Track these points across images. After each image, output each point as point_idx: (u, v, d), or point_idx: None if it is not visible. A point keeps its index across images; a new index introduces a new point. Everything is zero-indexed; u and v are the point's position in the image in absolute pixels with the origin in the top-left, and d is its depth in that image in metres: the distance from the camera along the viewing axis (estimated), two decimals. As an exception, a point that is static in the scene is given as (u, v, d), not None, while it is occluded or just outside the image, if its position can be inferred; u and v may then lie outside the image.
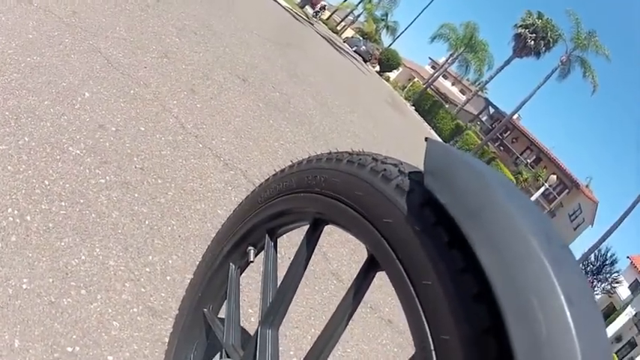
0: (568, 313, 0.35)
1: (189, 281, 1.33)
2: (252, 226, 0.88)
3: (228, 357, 0.81)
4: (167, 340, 1.14)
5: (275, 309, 0.73)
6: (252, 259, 0.89)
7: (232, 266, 0.91)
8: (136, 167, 1.64)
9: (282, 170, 0.85)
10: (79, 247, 1.19)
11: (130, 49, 2.43)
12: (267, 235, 0.83)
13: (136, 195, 1.52)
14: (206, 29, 3.94)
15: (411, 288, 0.49)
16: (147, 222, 1.45)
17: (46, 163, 1.37)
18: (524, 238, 0.39)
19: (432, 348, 0.45)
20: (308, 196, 0.74)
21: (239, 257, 0.91)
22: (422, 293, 0.47)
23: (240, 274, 0.92)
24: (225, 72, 3.39)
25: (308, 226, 0.75)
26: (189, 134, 2.18)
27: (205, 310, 0.94)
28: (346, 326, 0.61)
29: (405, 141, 9.59)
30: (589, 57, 24.84)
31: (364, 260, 0.60)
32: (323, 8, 23.80)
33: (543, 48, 26.23)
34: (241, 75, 3.65)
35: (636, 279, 26.40)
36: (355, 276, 0.61)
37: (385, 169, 0.59)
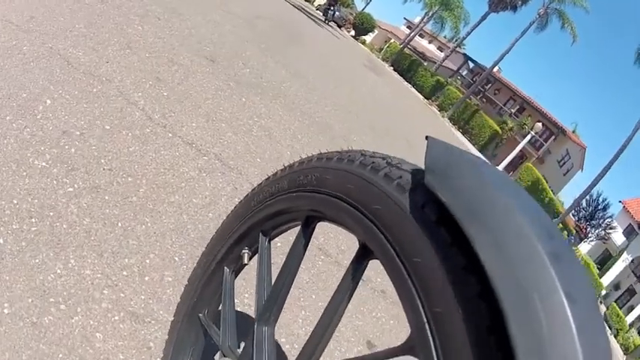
0: (569, 312, 0.36)
1: (183, 286, 1.36)
2: (246, 229, 0.90)
3: (225, 356, 0.83)
4: (152, 344, 1.17)
5: (270, 306, 0.75)
6: (246, 262, 0.91)
7: (227, 270, 0.93)
8: (104, 169, 1.62)
9: (275, 174, 0.87)
10: (53, 261, 1.19)
11: (90, 46, 2.36)
12: (260, 236, 0.85)
13: (107, 198, 1.51)
14: (170, 12, 3.81)
15: (403, 268, 0.50)
16: (119, 224, 1.44)
17: (13, 182, 1.35)
18: (525, 236, 0.39)
19: (428, 327, 0.46)
20: (300, 195, 0.76)
21: (233, 261, 0.93)
22: (413, 270, 0.49)
23: (235, 277, 0.94)
24: (192, 54, 3.31)
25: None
26: (157, 125, 2.15)
27: (201, 315, 0.97)
28: (341, 317, 0.63)
29: (386, 102, 9.55)
30: (567, 9, 24.64)
31: (356, 250, 0.61)
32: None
33: (520, 1, 25.88)
34: (209, 55, 3.57)
35: (630, 224, 26.50)
36: (347, 266, 0.62)
37: (374, 162, 0.62)
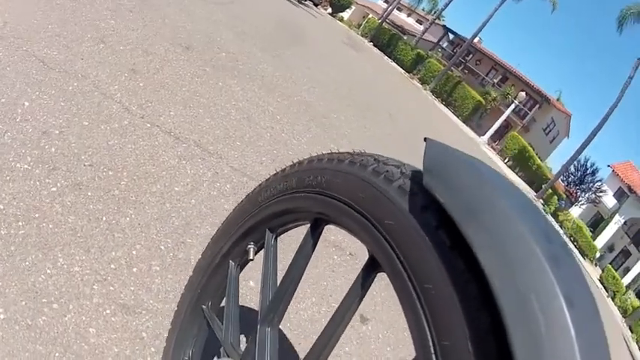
0: (567, 314, 0.36)
1: (171, 275, 1.42)
2: (253, 225, 0.89)
3: (228, 356, 0.83)
4: (144, 334, 1.22)
5: (275, 308, 0.74)
6: (252, 257, 0.91)
7: (232, 264, 0.92)
8: (85, 165, 1.66)
9: (283, 170, 0.86)
10: (42, 262, 1.22)
11: (64, 44, 2.35)
12: (267, 233, 0.84)
13: (89, 194, 1.55)
14: (143, 4, 3.77)
15: (413, 290, 0.49)
16: (104, 218, 1.49)
17: (-3, 188, 1.37)
18: (523, 238, 0.39)
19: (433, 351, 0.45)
20: (308, 196, 0.74)
21: (239, 255, 0.93)
22: (423, 296, 0.48)
23: (240, 271, 0.94)
24: (167, 43, 3.30)
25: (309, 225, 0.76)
26: (134, 116, 2.18)
27: (204, 306, 0.97)
28: (346, 326, 0.62)
29: (366, 78, 9.54)
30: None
31: (365, 260, 0.60)
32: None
33: (497, -30, 25.69)
34: (184, 43, 3.55)
35: (620, 187, 26.88)
36: (356, 276, 0.61)
37: (387, 172, 0.60)
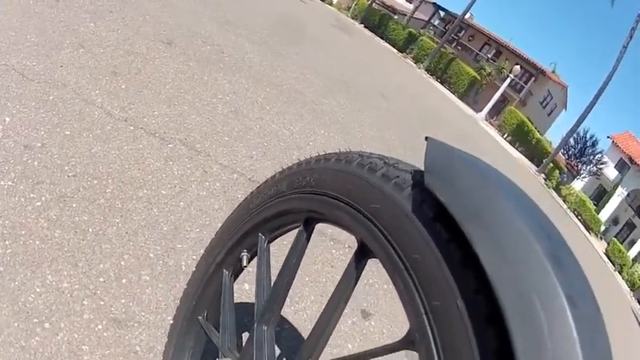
0: (569, 313, 0.36)
1: (162, 284, 1.41)
2: (245, 232, 0.91)
3: (225, 357, 0.85)
4: (138, 348, 1.21)
5: (270, 307, 0.77)
6: (245, 264, 0.92)
7: (226, 272, 0.95)
8: (68, 176, 1.64)
9: (273, 176, 0.89)
10: (31, 280, 1.22)
11: (43, 54, 2.31)
12: (260, 238, 0.87)
13: (74, 205, 1.53)
14: (123, 3, 3.70)
15: (402, 264, 0.52)
16: (90, 229, 1.47)
17: (-17, 209, 1.35)
18: (525, 238, 0.39)
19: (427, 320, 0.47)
20: (299, 197, 0.78)
21: (232, 263, 0.95)
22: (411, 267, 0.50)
23: (234, 280, 0.96)
24: (148, 41, 3.25)
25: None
26: (117, 120, 2.15)
27: (200, 317, 0.99)
28: (341, 315, 0.64)
29: (358, 60, 9.43)
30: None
31: (355, 248, 0.64)
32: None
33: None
34: (166, 39, 3.50)
35: (621, 158, 26.90)
36: (347, 264, 0.64)
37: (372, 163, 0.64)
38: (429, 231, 0.49)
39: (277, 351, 0.77)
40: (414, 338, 0.49)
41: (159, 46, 3.29)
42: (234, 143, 2.65)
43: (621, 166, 27.06)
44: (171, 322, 1.09)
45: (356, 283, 0.63)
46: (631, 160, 25.53)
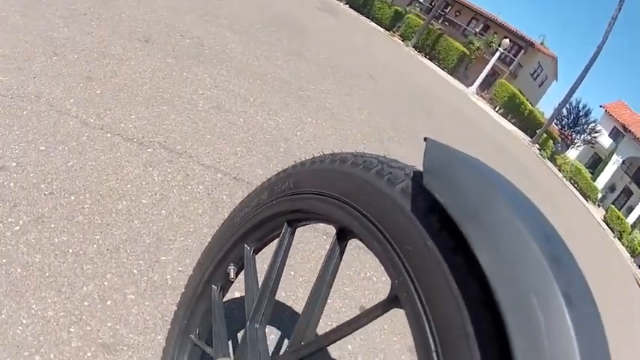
0: (567, 312, 0.36)
1: (149, 302, 1.39)
2: (231, 246, 0.95)
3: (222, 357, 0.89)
4: None
5: (259, 307, 0.80)
6: (233, 277, 0.95)
7: (214, 288, 0.98)
8: (45, 195, 1.60)
9: (255, 189, 0.94)
10: (17, 312, 1.19)
11: (15, 67, 2.23)
12: (245, 249, 0.91)
13: (53, 225, 1.50)
14: (98, 4, 3.58)
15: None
16: (70, 250, 1.44)
17: (-38, 239, 1.32)
18: (523, 238, 0.40)
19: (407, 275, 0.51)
20: (280, 202, 0.83)
21: (220, 278, 0.98)
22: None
23: (223, 295, 0.99)
24: (124, 41, 3.17)
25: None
26: (93, 129, 2.09)
27: (192, 335, 1.02)
28: (327, 296, 0.68)
29: (345, 41, 9.28)
30: None
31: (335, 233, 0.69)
32: None
33: None
34: (143, 37, 3.42)
35: (615, 127, 27.23)
36: (329, 247, 0.70)
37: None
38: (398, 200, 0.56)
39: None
40: (398, 295, 0.53)
41: (135, 45, 3.21)
42: (217, 141, 2.60)
43: (615, 135, 27.28)
44: (164, 345, 1.10)
45: (339, 264, 0.68)
46: (625, 128, 25.70)
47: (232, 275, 0.95)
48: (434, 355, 0.45)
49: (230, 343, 1.01)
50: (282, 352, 0.71)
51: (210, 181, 2.20)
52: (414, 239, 0.52)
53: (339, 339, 0.63)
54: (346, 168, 0.69)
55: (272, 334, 1.51)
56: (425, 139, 0.55)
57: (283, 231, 0.81)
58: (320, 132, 3.74)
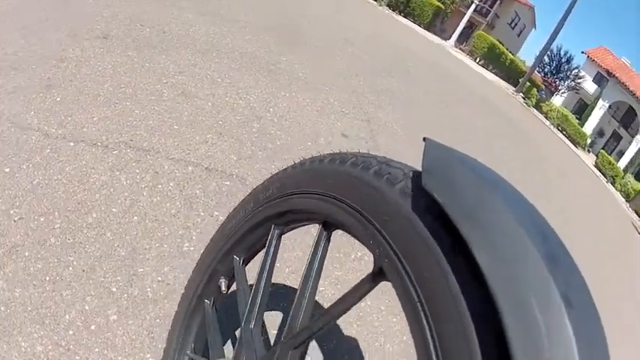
0: (566, 312, 0.36)
1: (131, 320, 1.40)
2: (220, 259, 0.98)
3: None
4: None
5: (252, 309, 0.83)
6: (224, 289, 0.97)
7: (207, 302, 1.01)
8: (14, 221, 1.57)
9: (242, 200, 0.97)
10: (9, 353, 1.19)
11: None
12: (235, 260, 0.94)
13: (27, 254, 1.47)
14: (54, 7, 3.38)
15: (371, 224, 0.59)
16: (47, 278, 1.43)
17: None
18: (521, 238, 0.40)
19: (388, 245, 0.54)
20: (266, 207, 0.86)
21: (212, 292, 1.01)
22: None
23: (216, 307, 1.02)
24: (82, 40, 3.06)
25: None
26: (56, 139, 2.03)
27: (188, 352, 1.05)
28: (317, 287, 0.71)
29: (316, 7, 9.03)
30: None
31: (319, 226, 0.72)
32: None
33: None
34: (101, 33, 3.30)
35: (598, 72, 27.21)
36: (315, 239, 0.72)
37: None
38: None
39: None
40: (383, 268, 0.55)
41: (94, 43, 3.10)
42: (185, 130, 2.52)
43: (599, 80, 27.33)
44: None
45: (325, 255, 0.71)
46: (609, 73, 25.73)
47: (224, 288, 0.97)
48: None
49: (225, 347, 1.03)
50: (275, 345, 0.73)
51: (180, 176, 2.15)
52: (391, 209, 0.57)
53: (331, 321, 0.65)
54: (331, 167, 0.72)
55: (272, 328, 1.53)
56: (424, 139, 0.55)
57: (270, 236, 0.84)
58: (294, 105, 3.66)
